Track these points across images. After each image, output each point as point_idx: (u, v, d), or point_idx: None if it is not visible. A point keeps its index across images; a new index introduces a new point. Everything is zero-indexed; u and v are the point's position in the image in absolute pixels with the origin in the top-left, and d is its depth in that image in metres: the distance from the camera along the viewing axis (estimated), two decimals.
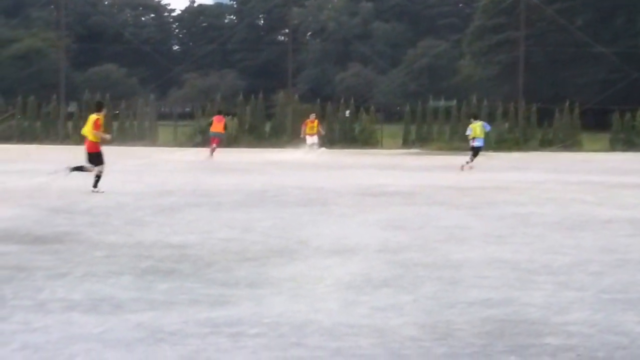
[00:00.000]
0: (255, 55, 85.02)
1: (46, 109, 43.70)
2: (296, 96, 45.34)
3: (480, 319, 6.27)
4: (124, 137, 42.56)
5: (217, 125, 30.86)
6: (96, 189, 16.48)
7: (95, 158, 16.97)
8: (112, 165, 26.04)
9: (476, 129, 26.19)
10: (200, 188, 17.64)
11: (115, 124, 43.59)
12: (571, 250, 9.72)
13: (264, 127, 43.30)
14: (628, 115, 42.15)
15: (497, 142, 41.64)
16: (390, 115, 55.05)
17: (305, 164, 28.03)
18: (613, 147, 42.05)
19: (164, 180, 19.94)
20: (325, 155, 32.29)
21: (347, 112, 42.59)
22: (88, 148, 17.14)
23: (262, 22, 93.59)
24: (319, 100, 44.46)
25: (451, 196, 16.45)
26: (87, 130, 17.15)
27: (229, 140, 41.17)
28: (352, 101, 43.53)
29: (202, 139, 41.57)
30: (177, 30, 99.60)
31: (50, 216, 12.42)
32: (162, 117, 52.43)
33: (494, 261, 8.85)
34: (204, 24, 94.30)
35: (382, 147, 42.34)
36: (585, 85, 56.64)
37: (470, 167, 25.15)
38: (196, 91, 70.00)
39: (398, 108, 58.44)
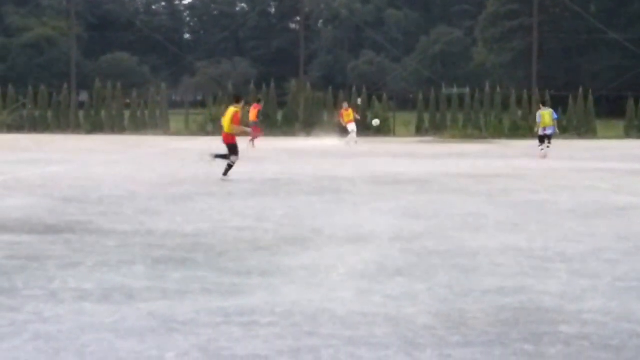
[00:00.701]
0: (268, 43, 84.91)
1: (57, 98, 43.77)
2: (308, 84, 45.22)
3: (495, 308, 6.22)
4: (135, 126, 42.65)
5: (253, 112, 31.01)
6: (226, 177, 16.87)
7: (231, 149, 17.27)
8: (124, 155, 26.10)
9: (545, 117, 25.99)
10: (212, 177, 17.62)
11: (127, 113, 43.68)
12: (586, 238, 9.66)
13: (276, 116, 43.26)
14: None
15: (510, 130, 41.48)
16: (404, 103, 54.94)
17: (318, 152, 27.99)
18: (627, 134, 41.81)
19: (176, 169, 19.94)
20: (340, 144, 32.31)
21: (359, 100, 42.50)
22: (224, 139, 17.53)
23: (273, 9, 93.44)
24: (331, 88, 44.36)
25: (466, 184, 16.38)
26: (226, 122, 17.50)
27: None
28: (364, 89, 43.42)
29: (214, 127, 41.64)
30: (188, 19, 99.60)
31: (62, 206, 12.43)
32: (174, 105, 52.53)
33: (508, 249, 8.79)
34: (216, 12, 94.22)
35: (394, 135, 42.24)
36: (599, 72, 56.33)
37: (544, 155, 24.98)
38: (208, 79, 70.02)
39: (411, 96, 58.30)
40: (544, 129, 25.87)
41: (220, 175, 17.02)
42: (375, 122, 36.72)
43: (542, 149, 25.51)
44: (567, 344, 5.31)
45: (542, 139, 25.88)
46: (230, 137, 17.45)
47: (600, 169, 20.54)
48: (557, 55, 58.40)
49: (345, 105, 35.11)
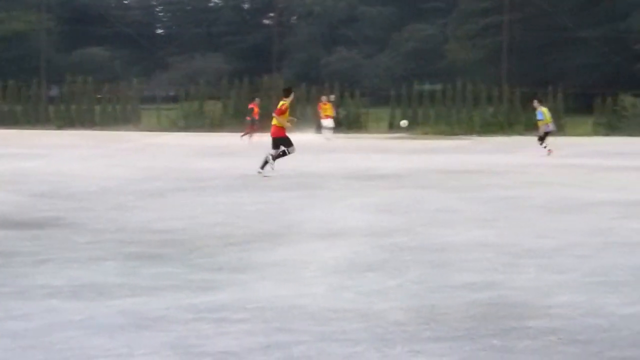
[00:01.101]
0: (241, 38, 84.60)
1: (27, 92, 43.39)
2: (281, 80, 45.21)
3: (465, 303, 6.26)
4: (106, 121, 42.41)
5: (256, 110, 32.26)
6: (262, 172, 16.80)
7: (278, 143, 17.18)
8: (95, 150, 25.94)
9: (546, 114, 26.01)
10: (185, 173, 17.56)
11: (97, 108, 43.41)
12: (556, 233, 9.73)
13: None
14: (609, 100, 42.26)
15: (481, 126, 41.69)
16: (377, 99, 55.06)
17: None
18: (595, 131, 42.19)
19: (148, 164, 19.85)
20: (314, 139, 32.41)
21: (332, 96, 42.58)
22: (272, 133, 17.44)
23: (247, 5, 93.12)
24: (304, 84, 44.36)
25: (438, 180, 16.45)
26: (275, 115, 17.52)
27: (212, 125, 41.11)
28: (336, 85, 43.45)
29: (186, 122, 41.56)
30: (161, 14, 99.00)
31: (31, 201, 12.33)
32: (146, 100, 52.23)
33: (479, 245, 8.84)
34: (189, 7, 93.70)
35: (367, 131, 42.32)
36: (569, 69, 56.74)
37: (550, 150, 24.91)
38: (181, 75, 69.69)
39: (383, 92, 58.39)
40: (547, 125, 25.94)
41: (259, 169, 16.86)
42: (404, 123, 36.54)
43: (546, 146, 25.43)
44: (535, 339, 5.35)
45: (547, 134, 25.82)
46: (280, 130, 17.36)
47: (570, 165, 20.70)
48: (528, 52, 58.72)
49: (323, 99, 35.28)
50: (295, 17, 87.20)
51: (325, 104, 34.42)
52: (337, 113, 38.49)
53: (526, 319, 5.84)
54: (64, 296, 6.41)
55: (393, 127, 42.74)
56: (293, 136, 16.98)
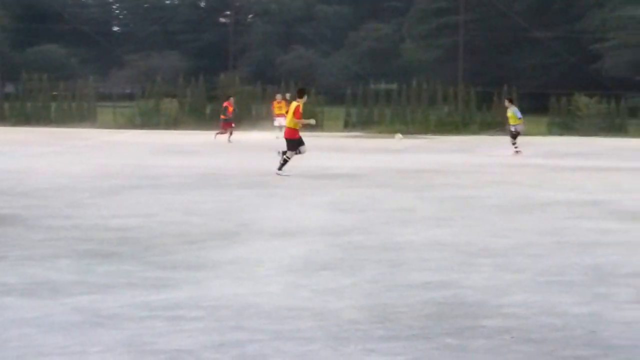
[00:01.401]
0: (197, 36, 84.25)
1: None
2: (237, 78, 45.10)
3: (420, 302, 6.30)
4: (62, 118, 41.97)
5: (230, 109, 32.32)
6: (281, 172, 16.76)
7: (292, 144, 17.08)
8: (51, 147, 25.64)
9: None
10: (142, 170, 17.44)
11: (53, 105, 42.95)
12: (510, 232, 9.84)
13: (205, 109, 43.05)
14: (564, 100, 42.77)
15: (436, 126, 41.94)
16: (333, 99, 55.21)
17: (247, 146, 27.95)
18: (550, 130, 42.69)
19: (104, 162, 19.68)
20: (271, 137, 32.31)
21: (287, 94, 42.56)
22: (286, 134, 17.43)
23: (203, 3, 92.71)
24: (260, 82, 44.31)
25: (394, 179, 16.53)
26: (289, 117, 17.50)
27: (168, 123, 40.88)
28: (292, 84, 43.44)
29: (142, 120, 41.30)
30: (118, 11, 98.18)
31: None
32: (103, 98, 51.77)
33: (435, 244, 8.91)
34: (146, 5, 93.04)
35: (322, 129, 42.37)
36: (525, 69, 57.32)
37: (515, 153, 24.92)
38: (137, 72, 69.14)
39: (339, 91, 58.52)
40: (522, 124, 26.01)
41: (275, 170, 16.83)
42: (399, 137, 36.44)
43: (517, 146, 25.50)
44: (489, 338, 5.41)
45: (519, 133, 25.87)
46: (292, 131, 17.31)
47: (525, 165, 20.91)
48: (483, 52, 59.25)
49: (278, 97, 35.28)
50: (251, 16, 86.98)
51: (279, 102, 34.42)
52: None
53: (481, 318, 5.90)
54: (18, 293, 6.34)
55: (348, 125, 42.86)
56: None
